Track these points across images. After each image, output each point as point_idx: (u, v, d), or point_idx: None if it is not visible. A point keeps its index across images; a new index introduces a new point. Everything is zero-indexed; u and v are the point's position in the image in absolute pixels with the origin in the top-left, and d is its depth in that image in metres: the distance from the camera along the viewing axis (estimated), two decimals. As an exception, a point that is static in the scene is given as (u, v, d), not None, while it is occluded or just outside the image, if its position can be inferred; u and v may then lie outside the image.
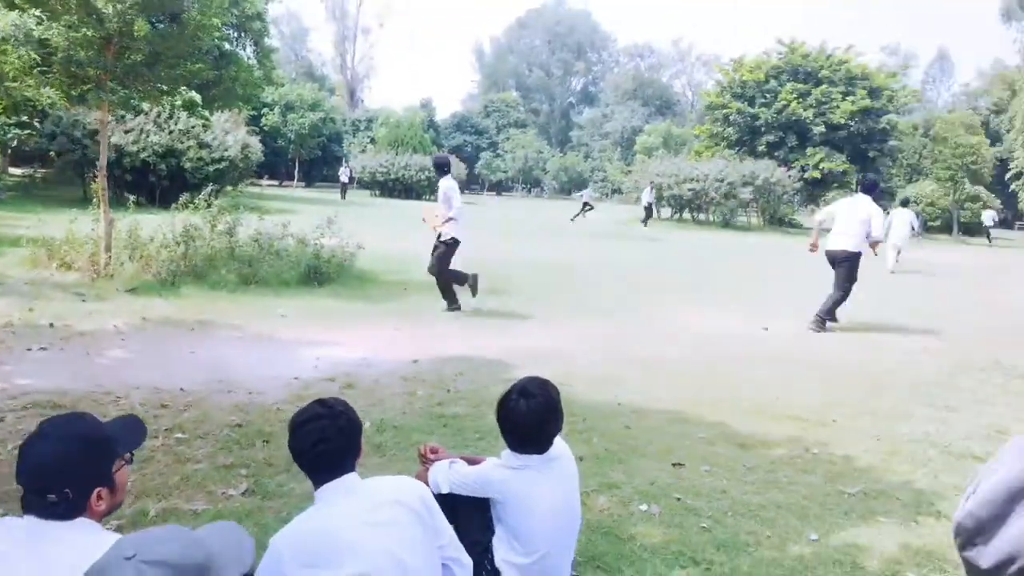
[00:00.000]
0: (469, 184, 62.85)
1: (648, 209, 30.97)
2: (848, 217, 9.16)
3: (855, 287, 9.21)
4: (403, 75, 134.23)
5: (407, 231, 20.23)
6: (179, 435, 4.35)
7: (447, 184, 8.83)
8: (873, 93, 38.45)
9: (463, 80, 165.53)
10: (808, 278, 14.92)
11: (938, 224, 41.52)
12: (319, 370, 6.00)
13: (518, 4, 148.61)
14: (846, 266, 9.06)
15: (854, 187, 43.85)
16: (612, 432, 4.88)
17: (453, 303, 8.87)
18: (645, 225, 29.88)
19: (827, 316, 9.12)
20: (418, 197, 44.04)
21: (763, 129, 38.96)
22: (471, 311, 8.90)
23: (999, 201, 44.06)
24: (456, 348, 7.04)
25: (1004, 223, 54.33)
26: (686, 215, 36.12)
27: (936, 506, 3.87)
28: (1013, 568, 1.14)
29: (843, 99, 37.58)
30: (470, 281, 8.94)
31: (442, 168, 9.03)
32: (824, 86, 38.12)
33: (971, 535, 1.18)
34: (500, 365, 6.50)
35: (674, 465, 4.34)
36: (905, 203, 20.66)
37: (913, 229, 18.92)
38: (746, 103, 39.45)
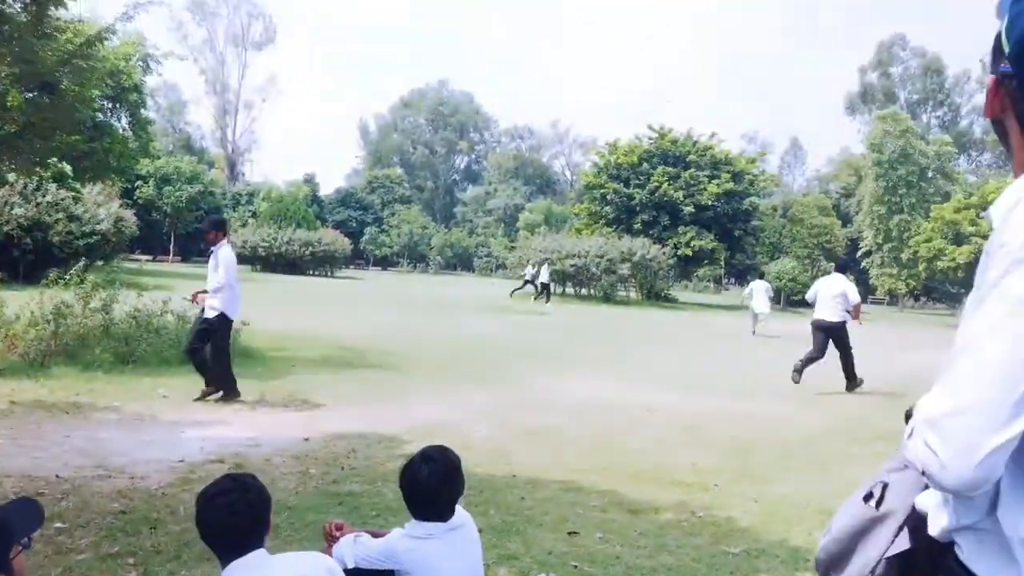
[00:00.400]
0: (354, 259, 62.45)
1: (544, 287, 31.38)
2: (825, 294, 11.14)
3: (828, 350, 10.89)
4: (286, 150, 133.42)
5: (291, 307, 19.90)
6: (59, 524, 4.12)
7: (226, 253, 7.75)
8: (736, 177, 41.26)
9: (348, 156, 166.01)
10: (682, 349, 15.67)
11: (799, 298, 44.35)
12: (206, 451, 5.81)
13: (402, 83, 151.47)
14: (839, 336, 10.87)
15: (723, 264, 46.47)
16: (508, 503, 4.97)
17: (228, 390, 7.69)
18: (535, 300, 30.39)
19: (853, 375, 10.88)
20: (302, 272, 43.35)
21: (638, 208, 40.92)
22: (358, 379, 8.85)
23: (852, 277, 47.64)
24: (348, 424, 6.97)
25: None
26: (569, 289, 37.16)
27: (811, 562, 4.14)
28: None
29: (709, 182, 40.12)
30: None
31: (220, 228, 7.98)
32: (692, 170, 40.64)
33: (826, 568, 1.46)
34: (394, 440, 6.49)
35: (569, 534, 4.46)
36: (761, 275, 22.83)
37: (769, 298, 21.19)
38: (622, 184, 41.46)
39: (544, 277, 31.38)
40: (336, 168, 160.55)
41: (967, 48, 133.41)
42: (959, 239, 35.19)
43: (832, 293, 11.00)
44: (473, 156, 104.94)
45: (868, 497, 1.47)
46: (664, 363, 13.26)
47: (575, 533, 4.47)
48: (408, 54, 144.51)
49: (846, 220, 61.28)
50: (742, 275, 66.66)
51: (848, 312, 11.04)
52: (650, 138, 43.22)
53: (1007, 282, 1.17)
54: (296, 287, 31.68)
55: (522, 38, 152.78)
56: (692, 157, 41.40)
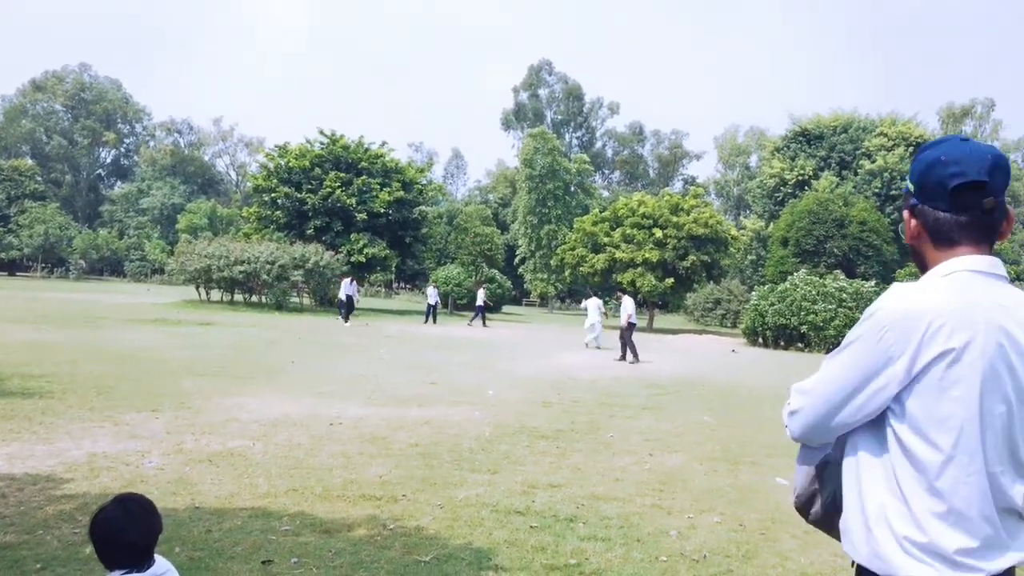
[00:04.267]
0: (-30, 263, 53.46)
1: (349, 300, 29.41)
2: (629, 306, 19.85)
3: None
4: None
5: None
6: None
7: None
8: (406, 186, 42.65)
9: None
10: (359, 357, 15.88)
11: (465, 303, 47.11)
12: None
13: (33, 64, 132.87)
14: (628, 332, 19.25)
15: (394, 269, 47.64)
16: (194, 538, 4.77)
17: None
18: (345, 320, 28.55)
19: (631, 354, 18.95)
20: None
21: (311, 214, 40.44)
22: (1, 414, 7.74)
23: (510, 282, 51.71)
24: (-11, 467, 6.10)
25: (515, 300, 63.70)
26: (238, 296, 35.53)
27: (493, 560, 4.60)
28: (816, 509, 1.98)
29: (381, 189, 40.99)
30: None
31: None
32: (364, 177, 41.20)
33: (802, 507, 2.02)
34: (51, 480, 5.83)
35: (263, 563, 4.42)
36: (596, 293, 25.96)
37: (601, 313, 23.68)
38: (293, 188, 40.65)
39: (347, 291, 29.43)
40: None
41: (600, 80, 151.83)
42: (597, 248, 39.94)
43: (626, 308, 19.52)
44: (122, 149, 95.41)
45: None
46: (343, 373, 13.35)
47: (269, 561, 4.45)
48: (40, 31, 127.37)
49: (504, 228, 66.42)
50: (412, 280, 69.00)
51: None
52: (321, 143, 42.96)
53: (856, 327, 1.77)
54: None
55: (179, 26, 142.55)
56: (364, 164, 41.96)
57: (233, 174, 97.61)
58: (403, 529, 5.12)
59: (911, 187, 1.84)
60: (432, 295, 32.96)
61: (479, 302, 33.56)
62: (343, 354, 16.93)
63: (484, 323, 32.49)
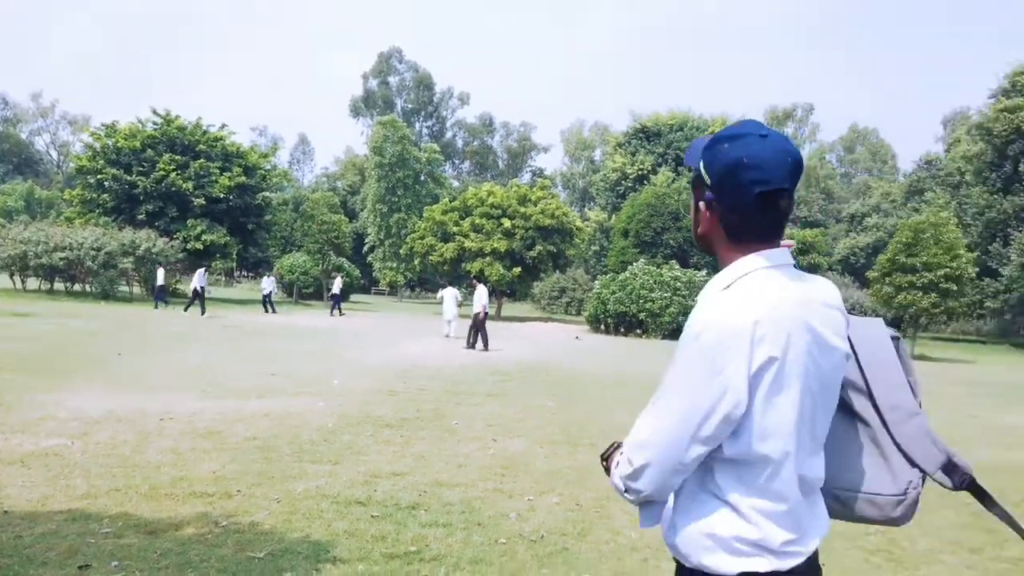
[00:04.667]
0: None
1: (196, 294, 27.28)
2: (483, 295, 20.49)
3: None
4: None
5: None
6: None
7: None
8: (248, 171, 40.93)
9: None
10: (196, 348, 15.12)
11: (311, 291, 45.95)
12: None
13: None
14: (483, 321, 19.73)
15: (235, 257, 45.70)
16: (1, 545, 4.39)
17: None
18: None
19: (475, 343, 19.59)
20: None
21: (142, 198, 38.04)
22: None
23: (358, 271, 50.90)
24: None
25: (364, 289, 62.80)
26: (58, 285, 32.92)
27: (331, 552, 4.52)
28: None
29: (221, 174, 39.13)
30: None
31: None
32: (202, 160, 39.16)
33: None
34: None
35: (80, 568, 4.14)
36: (450, 282, 26.07)
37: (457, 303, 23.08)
38: (122, 170, 38.04)
39: (198, 283, 27.17)
40: None
41: (451, 70, 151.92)
42: (446, 237, 39.99)
43: (481, 297, 19.98)
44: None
45: None
46: (176, 365, 12.66)
47: (87, 566, 4.16)
48: None
49: (352, 216, 65.26)
50: (256, 268, 66.39)
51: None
52: (154, 123, 40.42)
53: (679, 355, 1.62)
54: None
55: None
56: (202, 147, 39.90)
57: (54, 154, 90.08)
58: (236, 526, 4.93)
59: (706, 179, 1.72)
60: (267, 284, 32.03)
61: (335, 290, 33.36)
62: (177, 345, 16.05)
63: (332, 312, 32.02)
